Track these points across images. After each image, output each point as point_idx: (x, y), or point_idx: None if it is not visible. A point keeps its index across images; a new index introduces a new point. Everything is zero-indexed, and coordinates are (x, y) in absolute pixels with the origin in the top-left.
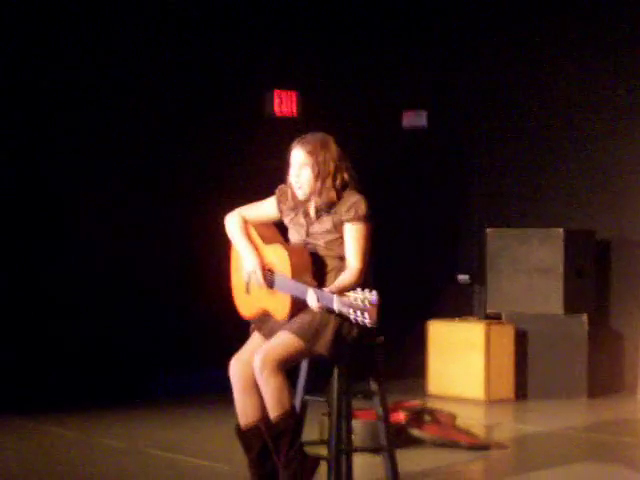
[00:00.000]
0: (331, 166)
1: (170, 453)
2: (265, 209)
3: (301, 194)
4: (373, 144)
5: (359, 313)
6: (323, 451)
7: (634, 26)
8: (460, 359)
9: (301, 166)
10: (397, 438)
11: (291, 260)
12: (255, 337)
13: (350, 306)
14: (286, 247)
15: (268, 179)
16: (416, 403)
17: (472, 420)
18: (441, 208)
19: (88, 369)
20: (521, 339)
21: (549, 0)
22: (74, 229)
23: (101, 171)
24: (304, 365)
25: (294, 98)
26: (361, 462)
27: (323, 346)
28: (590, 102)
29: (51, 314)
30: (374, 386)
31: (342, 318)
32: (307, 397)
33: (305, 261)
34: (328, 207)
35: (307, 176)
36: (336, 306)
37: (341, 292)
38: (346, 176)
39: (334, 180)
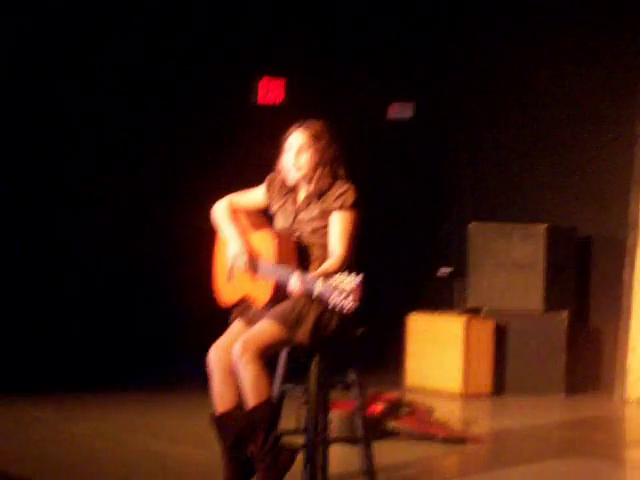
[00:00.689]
0: (330, 153)
1: (148, 438)
2: (253, 196)
3: (294, 178)
4: (357, 135)
5: (342, 295)
6: (299, 440)
7: (619, 26)
8: (439, 353)
9: (301, 150)
10: (374, 430)
11: (278, 246)
12: (236, 325)
13: (334, 288)
14: (274, 234)
15: (255, 166)
16: (394, 395)
17: (449, 414)
18: (424, 201)
19: (68, 352)
20: (500, 334)
21: None
22: (62, 216)
23: (85, 162)
24: (283, 355)
25: (281, 86)
26: (337, 453)
27: (303, 335)
28: (575, 98)
29: (32, 297)
30: (352, 377)
31: (323, 308)
32: (285, 386)
33: (291, 249)
34: (319, 195)
35: (306, 160)
36: (319, 288)
37: (325, 277)
38: (340, 165)
39: (331, 168)
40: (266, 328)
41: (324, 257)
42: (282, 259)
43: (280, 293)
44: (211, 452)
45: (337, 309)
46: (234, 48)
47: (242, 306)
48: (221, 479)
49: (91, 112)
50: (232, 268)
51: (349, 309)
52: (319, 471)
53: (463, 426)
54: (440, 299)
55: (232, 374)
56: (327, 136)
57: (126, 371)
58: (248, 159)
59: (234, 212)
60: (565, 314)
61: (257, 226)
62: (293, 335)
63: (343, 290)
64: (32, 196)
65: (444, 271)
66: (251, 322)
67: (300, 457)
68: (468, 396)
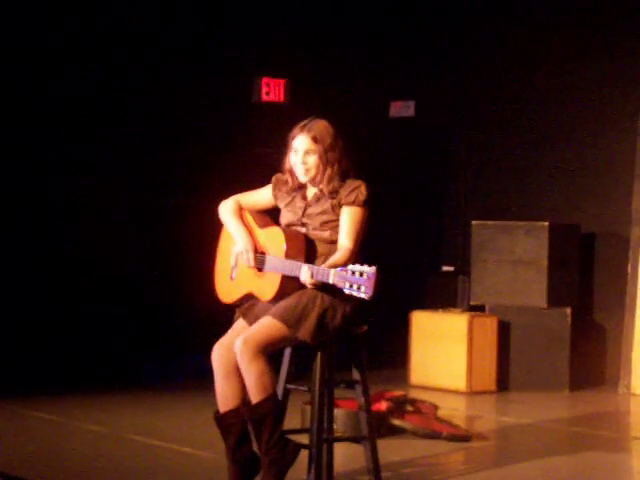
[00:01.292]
0: (337, 152)
1: (151, 439)
2: (260, 196)
3: (306, 178)
4: (360, 133)
5: (355, 287)
6: (304, 439)
7: (620, 22)
8: (443, 350)
9: (307, 153)
10: (379, 428)
11: (287, 241)
12: (239, 323)
13: (347, 280)
14: (283, 229)
15: (257, 166)
16: (398, 393)
17: (454, 411)
18: (427, 199)
19: (68, 352)
20: (504, 331)
21: None
22: (62, 216)
23: (87, 160)
24: (287, 353)
25: (282, 86)
26: (342, 451)
27: (306, 332)
28: (576, 94)
29: (33, 298)
30: (356, 375)
31: (326, 305)
32: (289, 386)
33: (299, 244)
34: (331, 194)
35: (314, 163)
36: (333, 279)
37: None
38: (348, 163)
39: (339, 167)
40: (268, 325)
41: (329, 254)
42: (291, 253)
43: (286, 288)
44: (214, 452)
45: (354, 296)
46: (234, 48)
47: (245, 304)
48: (224, 479)
49: (91, 112)
50: (236, 265)
51: (368, 297)
52: (324, 469)
53: (468, 423)
54: (444, 296)
55: (236, 372)
56: (331, 135)
57: (127, 371)
58: (249, 159)
59: (240, 211)
60: (569, 310)
61: (263, 225)
62: (296, 332)
63: (356, 282)
64: (32, 196)
65: (447, 268)
66: (255, 320)
67: (305, 453)
68: (472, 393)
